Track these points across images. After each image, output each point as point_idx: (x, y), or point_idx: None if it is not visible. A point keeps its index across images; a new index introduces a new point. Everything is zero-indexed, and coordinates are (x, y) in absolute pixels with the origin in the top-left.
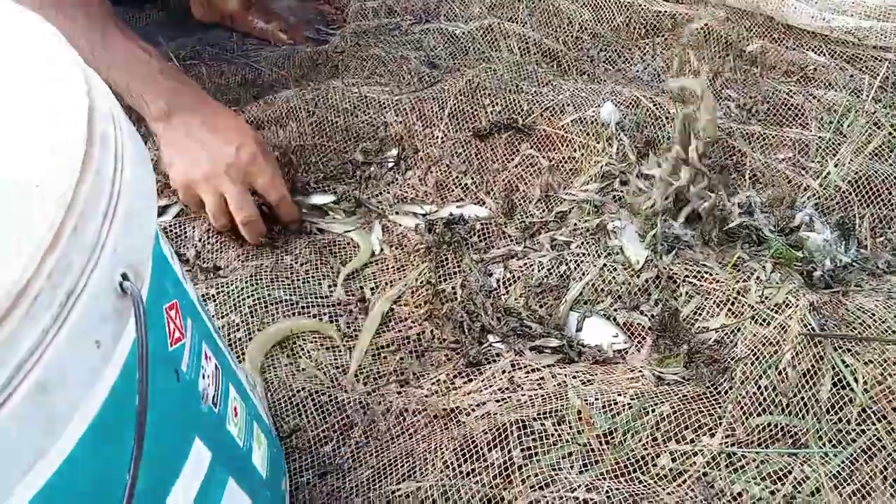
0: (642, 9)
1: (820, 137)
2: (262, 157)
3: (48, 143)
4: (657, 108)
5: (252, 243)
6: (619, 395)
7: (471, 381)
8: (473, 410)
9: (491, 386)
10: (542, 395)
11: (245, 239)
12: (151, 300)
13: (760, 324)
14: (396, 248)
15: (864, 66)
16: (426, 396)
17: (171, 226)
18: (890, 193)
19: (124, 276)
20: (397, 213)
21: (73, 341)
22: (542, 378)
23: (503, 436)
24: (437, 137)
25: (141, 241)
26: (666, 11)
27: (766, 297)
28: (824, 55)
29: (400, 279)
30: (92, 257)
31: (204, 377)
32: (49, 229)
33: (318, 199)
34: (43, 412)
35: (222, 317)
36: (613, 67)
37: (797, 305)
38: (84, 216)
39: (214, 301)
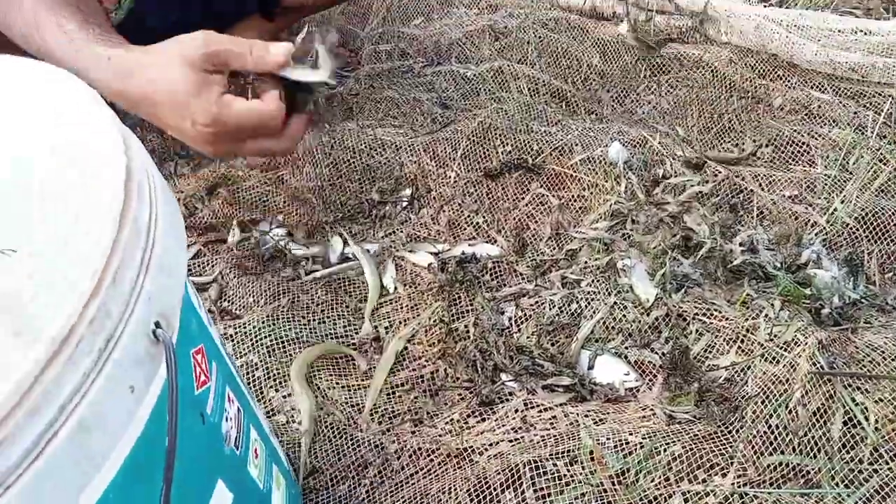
0: (649, 51)
1: (826, 174)
2: (218, 114)
3: (88, 196)
4: (664, 148)
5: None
6: (631, 434)
7: (484, 420)
8: (487, 450)
9: (504, 425)
10: (555, 435)
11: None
12: (180, 345)
13: (770, 362)
14: (410, 287)
15: (868, 103)
16: (440, 436)
17: (191, 266)
18: None
19: (157, 324)
20: (410, 251)
21: (111, 385)
22: (554, 417)
23: (516, 476)
24: (450, 177)
25: (173, 289)
26: (672, 53)
27: (776, 335)
28: (828, 92)
29: (413, 318)
30: (129, 305)
31: (227, 420)
32: (91, 278)
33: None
34: (83, 452)
35: (241, 356)
36: (622, 107)
37: (806, 343)
38: (122, 265)
39: (233, 341)
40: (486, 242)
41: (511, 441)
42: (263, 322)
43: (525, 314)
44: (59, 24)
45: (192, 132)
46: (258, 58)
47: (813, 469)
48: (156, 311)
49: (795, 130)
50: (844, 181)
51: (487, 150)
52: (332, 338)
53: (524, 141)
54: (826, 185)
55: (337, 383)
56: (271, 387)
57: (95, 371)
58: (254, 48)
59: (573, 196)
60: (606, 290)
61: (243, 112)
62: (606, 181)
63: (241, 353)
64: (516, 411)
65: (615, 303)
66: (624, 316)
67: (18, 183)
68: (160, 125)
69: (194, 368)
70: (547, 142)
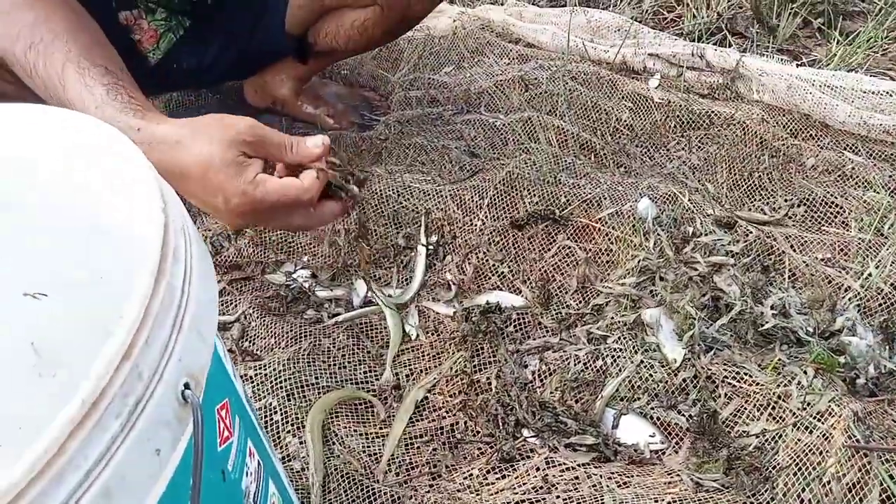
0: (679, 108)
1: (860, 238)
2: (256, 194)
3: (125, 257)
4: (694, 206)
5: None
6: (657, 501)
7: (504, 477)
8: None
9: (524, 484)
10: (577, 499)
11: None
12: (206, 402)
13: (803, 431)
14: (432, 335)
15: None
16: (458, 491)
17: None
18: None
19: (186, 385)
20: (434, 299)
21: (137, 448)
22: (576, 478)
23: None
24: (476, 226)
25: (203, 351)
26: (703, 111)
27: (809, 404)
28: (862, 154)
29: (435, 367)
30: (159, 367)
31: (247, 475)
32: (124, 340)
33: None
34: None
35: (260, 399)
36: (651, 161)
37: (841, 415)
38: (155, 327)
39: (252, 382)
40: (511, 293)
41: (531, 502)
42: (284, 365)
43: (549, 368)
44: (87, 85)
45: (222, 207)
46: (297, 151)
47: None
48: (185, 371)
49: (828, 192)
50: (879, 245)
51: (514, 199)
52: (351, 383)
53: (552, 192)
54: (860, 248)
55: (355, 430)
56: (289, 432)
57: (123, 434)
58: (293, 142)
59: (600, 250)
60: (633, 347)
61: (279, 190)
62: (635, 236)
63: (260, 395)
64: (537, 469)
65: (642, 361)
66: (651, 375)
67: (58, 236)
68: (186, 196)
69: (218, 424)
70: (575, 194)
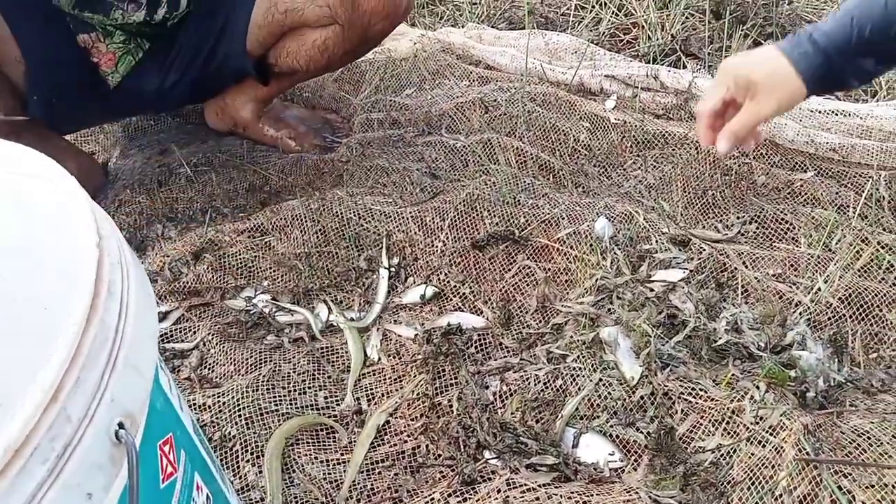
0: (635, 128)
1: (809, 254)
2: None
3: (57, 293)
4: (650, 224)
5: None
6: None
7: (465, 500)
8: None
9: None
10: None
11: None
12: (146, 439)
13: (756, 445)
14: (394, 358)
15: (848, 183)
16: None
17: (172, 331)
18: (881, 310)
19: (120, 425)
20: (395, 321)
21: (65, 495)
22: (537, 499)
23: None
24: (437, 247)
25: (140, 387)
26: (658, 131)
27: (761, 418)
28: (810, 171)
29: (396, 390)
30: (90, 408)
31: None
32: (52, 382)
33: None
34: None
35: (219, 429)
36: (608, 180)
37: (791, 428)
38: (86, 367)
39: (211, 411)
40: (472, 313)
41: None
42: (243, 392)
43: (510, 389)
44: None
45: None
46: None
47: None
48: (120, 411)
49: (778, 209)
50: (827, 261)
51: (475, 220)
52: (313, 409)
53: (511, 213)
54: (809, 264)
55: (316, 458)
56: (248, 461)
57: (50, 480)
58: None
59: (559, 269)
60: (592, 366)
61: None
62: (592, 255)
63: (219, 424)
64: (498, 491)
65: (600, 380)
66: (609, 393)
67: None
68: None
69: (160, 460)
70: (534, 214)
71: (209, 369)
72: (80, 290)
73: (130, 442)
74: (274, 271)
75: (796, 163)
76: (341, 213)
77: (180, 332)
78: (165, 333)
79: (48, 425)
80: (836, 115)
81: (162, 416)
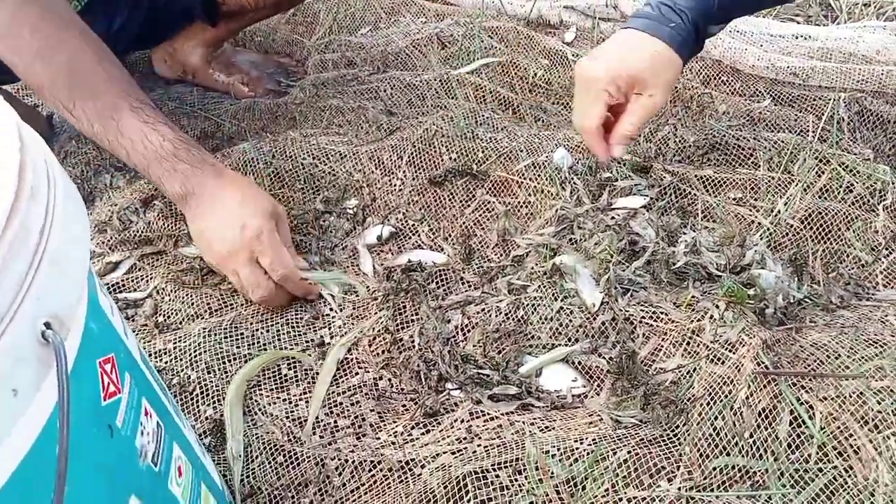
0: None
1: (770, 177)
2: (267, 233)
3: None
4: None
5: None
6: (578, 441)
7: (428, 431)
8: (430, 462)
9: (448, 437)
10: (499, 445)
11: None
12: (83, 352)
13: (715, 363)
14: (354, 295)
15: (808, 107)
16: (382, 448)
17: (124, 281)
18: (840, 229)
19: (47, 325)
20: (352, 263)
21: None
22: (500, 426)
23: (460, 489)
24: (395, 185)
25: (68, 291)
26: None
27: (720, 336)
28: (770, 97)
29: (357, 327)
30: (13, 305)
31: (143, 434)
32: None
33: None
34: None
35: (178, 373)
36: (568, 118)
37: (750, 345)
38: (6, 264)
39: (169, 356)
40: (433, 250)
41: (454, 452)
42: (203, 336)
43: (471, 322)
44: (146, 122)
45: (230, 234)
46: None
47: (760, 470)
48: (46, 312)
49: (740, 135)
50: (788, 183)
51: (433, 157)
52: (274, 348)
53: (469, 147)
54: (770, 187)
55: (278, 398)
56: (209, 404)
57: None
58: (287, 280)
59: (519, 202)
60: (553, 295)
61: (282, 247)
62: (552, 186)
63: (177, 369)
64: (461, 421)
65: (561, 307)
66: (570, 321)
67: None
68: (200, 229)
69: (101, 378)
70: (493, 148)
71: (164, 316)
72: (1, 191)
73: (58, 341)
74: None
75: (757, 89)
76: (294, 155)
77: (133, 281)
78: (117, 283)
79: None
80: (797, 38)
81: (102, 334)
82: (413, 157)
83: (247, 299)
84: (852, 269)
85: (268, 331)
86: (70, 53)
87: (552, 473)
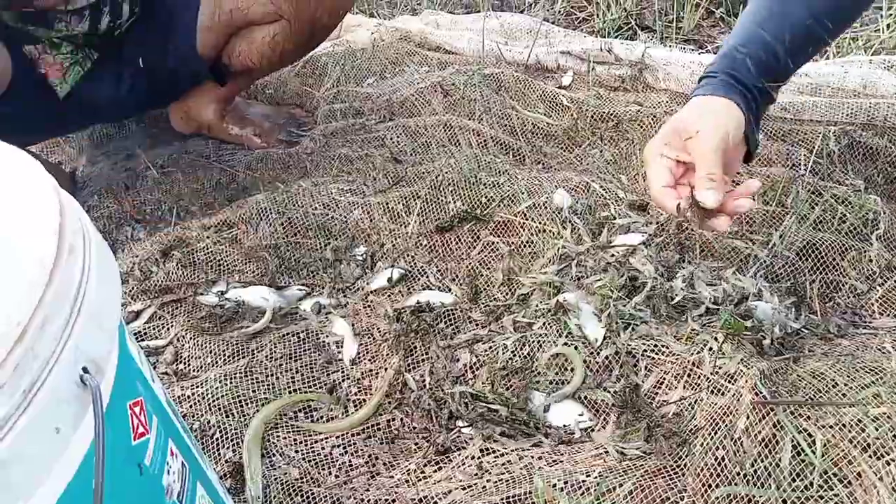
0: (590, 107)
1: (765, 210)
2: None
3: (23, 253)
4: (607, 192)
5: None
6: (585, 474)
7: (441, 468)
8: (442, 499)
9: (459, 474)
10: (508, 480)
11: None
12: (115, 395)
13: (716, 394)
14: (367, 337)
15: (800, 140)
16: (396, 487)
17: (146, 329)
18: (835, 259)
19: (85, 370)
20: (365, 306)
21: (34, 425)
22: (509, 461)
23: None
24: (403, 232)
25: (102, 339)
26: (611, 111)
27: (720, 367)
28: (762, 132)
29: (372, 371)
30: (55, 351)
31: (169, 473)
32: (18, 325)
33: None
34: (2, 482)
35: (198, 418)
36: (566, 161)
37: (748, 374)
38: (50, 315)
39: (189, 402)
40: (441, 291)
41: (465, 488)
42: (221, 382)
43: (479, 360)
44: None
45: None
46: None
47: (763, 499)
48: (84, 357)
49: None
50: (783, 216)
51: (440, 204)
52: (290, 392)
53: (474, 192)
54: (765, 220)
55: (295, 440)
56: (228, 447)
57: (18, 413)
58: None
59: (523, 242)
60: (557, 331)
61: None
62: (553, 226)
63: (197, 414)
64: (472, 458)
65: (566, 344)
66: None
67: None
68: None
69: (131, 419)
70: (496, 192)
71: (185, 363)
72: (45, 249)
73: (94, 383)
74: (244, 264)
75: None
76: (306, 204)
77: (154, 329)
78: (139, 331)
79: (14, 364)
80: None
81: (131, 379)
82: (420, 204)
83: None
84: (849, 298)
85: (282, 375)
86: None
87: None
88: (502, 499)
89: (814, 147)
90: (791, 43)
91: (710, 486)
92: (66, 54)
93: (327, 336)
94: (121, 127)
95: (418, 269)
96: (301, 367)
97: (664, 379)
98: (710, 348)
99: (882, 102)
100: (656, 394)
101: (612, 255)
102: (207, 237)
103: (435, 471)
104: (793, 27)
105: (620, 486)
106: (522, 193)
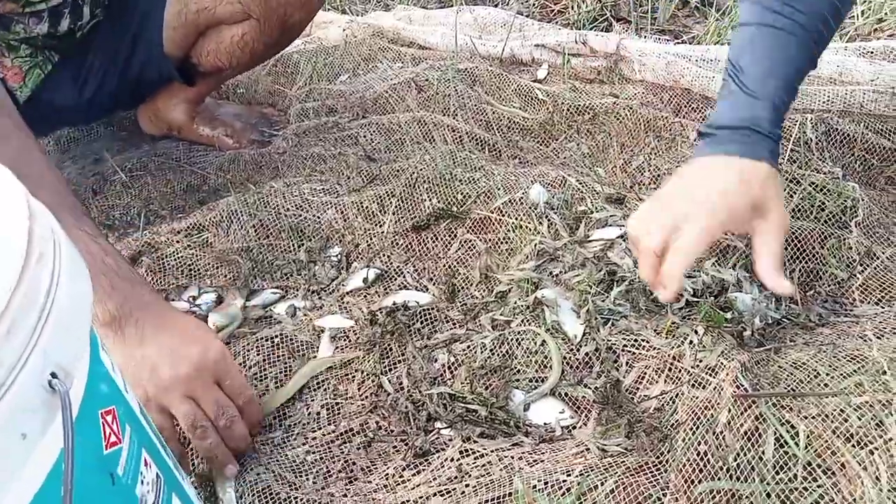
0: (565, 100)
1: None
2: (230, 356)
3: None
4: (583, 186)
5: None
6: (566, 473)
7: (419, 472)
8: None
9: (438, 477)
10: (488, 483)
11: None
12: (86, 403)
13: (698, 388)
14: (343, 340)
15: None
16: (375, 492)
17: None
18: (815, 248)
19: (53, 375)
20: (341, 307)
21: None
22: (489, 463)
23: None
24: (379, 231)
25: (72, 346)
26: (587, 104)
27: (700, 361)
28: None
29: (347, 375)
30: (22, 356)
31: (143, 483)
32: None
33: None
34: None
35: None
36: (543, 154)
37: (729, 367)
38: (17, 320)
39: None
40: (417, 291)
41: (443, 494)
42: None
43: (457, 360)
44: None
45: (195, 357)
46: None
47: (746, 493)
48: (53, 363)
49: None
50: None
51: (415, 202)
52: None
53: (449, 189)
54: None
55: (265, 443)
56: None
57: None
58: (249, 406)
59: (499, 239)
60: (536, 328)
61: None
62: (529, 222)
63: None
64: (451, 460)
65: (544, 341)
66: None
67: None
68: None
69: (103, 428)
70: (471, 188)
71: None
72: (12, 256)
73: (63, 389)
74: (216, 268)
75: None
76: (279, 206)
77: None
78: None
79: None
80: None
81: (103, 387)
82: (395, 203)
83: (202, 440)
84: (829, 286)
85: (258, 384)
86: (14, 154)
87: None
88: (480, 502)
89: (791, 135)
90: (797, 83)
91: (692, 481)
92: (25, 57)
93: (310, 331)
94: (88, 130)
95: (394, 269)
96: (278, 373)
97: (645, 374)
98: (691, 341)
99: (858, 89)
100: (637, 389)
101: (590, 250)
102: (177, 241)
103: (414, 475)
104: (798, 72)
105: (602, 484)
106: (499, 189)
